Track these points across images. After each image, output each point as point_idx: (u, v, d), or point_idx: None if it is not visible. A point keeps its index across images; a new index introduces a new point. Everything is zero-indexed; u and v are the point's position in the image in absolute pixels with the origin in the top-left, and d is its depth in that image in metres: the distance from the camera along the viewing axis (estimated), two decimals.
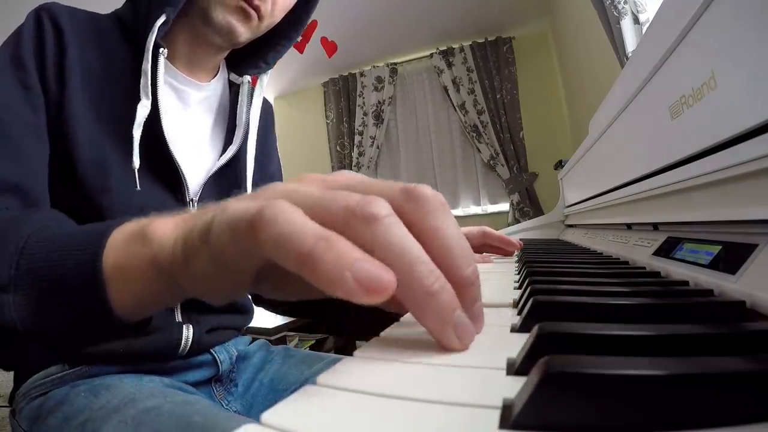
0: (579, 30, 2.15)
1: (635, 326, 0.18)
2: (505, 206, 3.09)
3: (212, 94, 0.58)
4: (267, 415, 0.13)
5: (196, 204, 0.53)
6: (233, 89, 0.60)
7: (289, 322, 1.66)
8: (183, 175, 0.50)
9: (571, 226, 1.15)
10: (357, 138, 3.46)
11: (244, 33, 0.50)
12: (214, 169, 0.54)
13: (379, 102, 3.40)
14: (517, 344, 0.20)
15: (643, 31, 1.22)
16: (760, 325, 0.19)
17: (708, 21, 0.33)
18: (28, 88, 0.42)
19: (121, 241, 0.25)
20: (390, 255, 0.17)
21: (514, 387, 0.15)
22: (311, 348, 2.05)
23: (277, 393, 0.56)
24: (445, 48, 3.19)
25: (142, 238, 0.24)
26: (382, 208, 0.18)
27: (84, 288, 0.25)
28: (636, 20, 1.26)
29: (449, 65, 3.18)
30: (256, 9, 0.48)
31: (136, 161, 0.45)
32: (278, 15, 0.52)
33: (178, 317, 0.51)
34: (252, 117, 0.58)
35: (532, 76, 3.05)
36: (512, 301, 0.32)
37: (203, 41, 0.52)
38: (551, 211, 1.30)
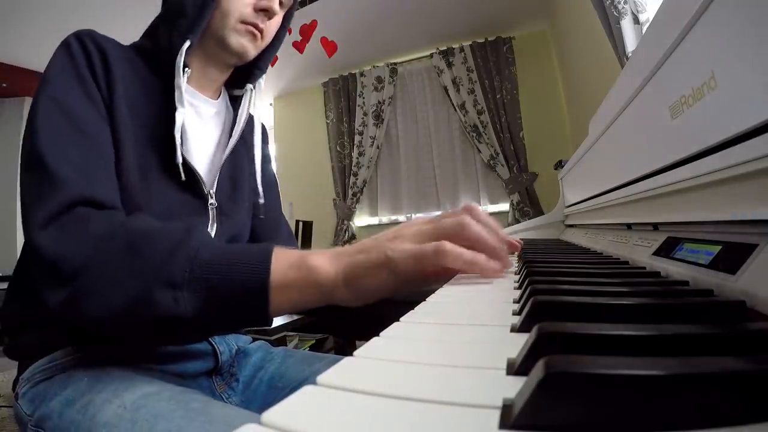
0: (579, 30, 2.15)
1: (635, 326, 0.18)
2: (505, 206, 3.09)
3: (221, 110, 0.66)
4: (267, 415, 0.13)
5: (213, 196, 0.59)
6: (235, 105, 0.68)
7: (289, 322, 1.66)
8: (197, 173, 0.56)
9: (571, 226, 1.15)
10: (357, 138, 3.46)
11: (252, 51, 0.60)
12: (222, 161, 0.61)
13: (379, 102, 3.40)
14: (517, 344, 0.20)
15: (643, 31, 1.22)
16: (760, 325, 0.19)
17: (708, 21, 0.33)
18: (93, 100, 0.48)
19: (285, 267, 0.37)
20: (480, 236, 0.39)
21: (514, 387, 0.15)
22: (311, 348, 2.05)
23: (276, 391, 0.57)
24: (445, 48, 3.20)
25: (307, 269, 0.37)
26: (469, 219, 0.39)
27: (252, 298, 0.36)
28: (636, 20, 1.26)
29: (449, 65, 3.18)
30: (261, 31, 0.59)
31: (180, 157, 0.53)
32: (273, 32, 0.63)
33: None
34: (257, 111, 0.69)
35: (532, 76, 3.05)
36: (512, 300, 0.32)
37: (216, 62, 0.62)
38: (551, 211, 1.30)
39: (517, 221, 2.75)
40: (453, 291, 0.37)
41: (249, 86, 0.67)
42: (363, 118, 3.46)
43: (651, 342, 0.17)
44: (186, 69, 0.55)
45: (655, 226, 0.51)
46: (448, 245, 0.36)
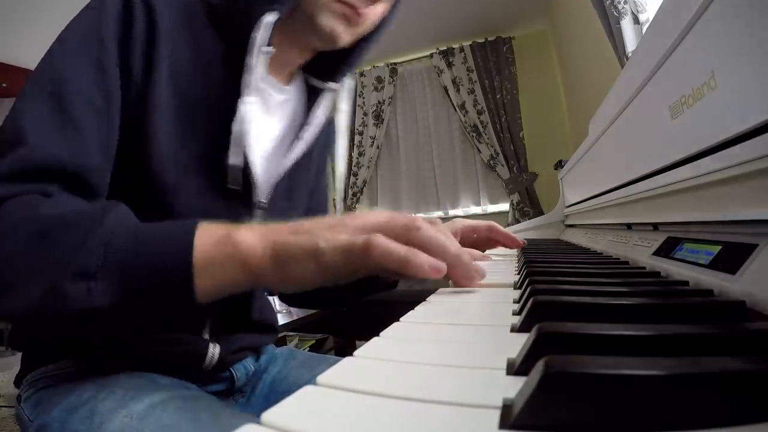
0: (579, 30, 2.15)
1: (635, 326, 0.18)
2: (505, 206, 3.09)
3: (291, 98, 0.56)
4: (267, 415, 0.13)
5: (264, 206, 0.51)
6: (311, 94, 0.58)
7: (290, 322, 1.66)
8: (255, 180, 0.48)
9: (571, 226, 1.15)
10: (357, 138, 3.46)
11: (345, 37, 0.50)
12: (284, 170, 0.53)
13: (379, 102, 3.40)
14: (517, 344, 0.20)
15: (643, 31, 1.22)
16: (760, 325, 0.19)
17: (708, 21, 0.33)
18: (103, 71, 0.39)
19: (209, 244, 0.32)
20: (432, 244, 0.33)
21: (514, 387, 0.15)
22: (311, 348, 2.05)
23: (277, 394, 0.56)
24: (445, 48, 3.19)
25: (232, 244, 0.32)
26: (421, 222, 0.34)
27: (174, 281, 0.31)
28: (636, 20, 1.26)
29: (449, 65, 3.18)
30: (360, 15, 0.48)
31: (233, 157, 0.45)
32: (375, 20, 0.52)
33: (206, 335, 0.49)
34: (339, 117, 0.60)
35: (532, 76, 3.05)
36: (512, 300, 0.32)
37: (299, 44, 0.52)
38: (551, 211, 1.30)
39: (517, 221, 2.75)
40: (453, 291, 0.37)
41: (332, 85, 0.56)
42: (363, 118, 3.46)
43: (651, 342, 0.17)
44: (269, 47, 0.45)
45: (655, 226, 0.50)
46: (379, 239, 0.30)
